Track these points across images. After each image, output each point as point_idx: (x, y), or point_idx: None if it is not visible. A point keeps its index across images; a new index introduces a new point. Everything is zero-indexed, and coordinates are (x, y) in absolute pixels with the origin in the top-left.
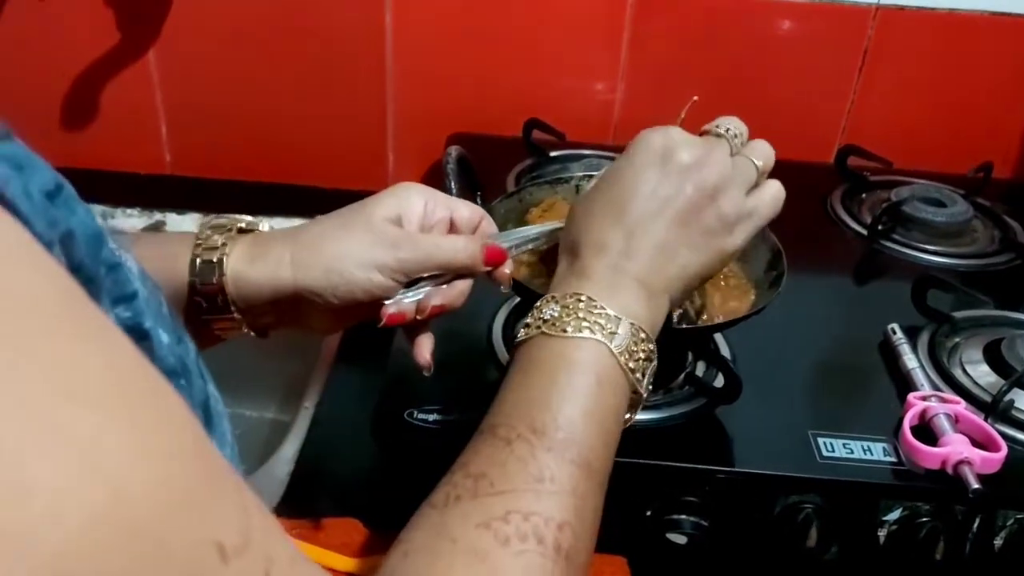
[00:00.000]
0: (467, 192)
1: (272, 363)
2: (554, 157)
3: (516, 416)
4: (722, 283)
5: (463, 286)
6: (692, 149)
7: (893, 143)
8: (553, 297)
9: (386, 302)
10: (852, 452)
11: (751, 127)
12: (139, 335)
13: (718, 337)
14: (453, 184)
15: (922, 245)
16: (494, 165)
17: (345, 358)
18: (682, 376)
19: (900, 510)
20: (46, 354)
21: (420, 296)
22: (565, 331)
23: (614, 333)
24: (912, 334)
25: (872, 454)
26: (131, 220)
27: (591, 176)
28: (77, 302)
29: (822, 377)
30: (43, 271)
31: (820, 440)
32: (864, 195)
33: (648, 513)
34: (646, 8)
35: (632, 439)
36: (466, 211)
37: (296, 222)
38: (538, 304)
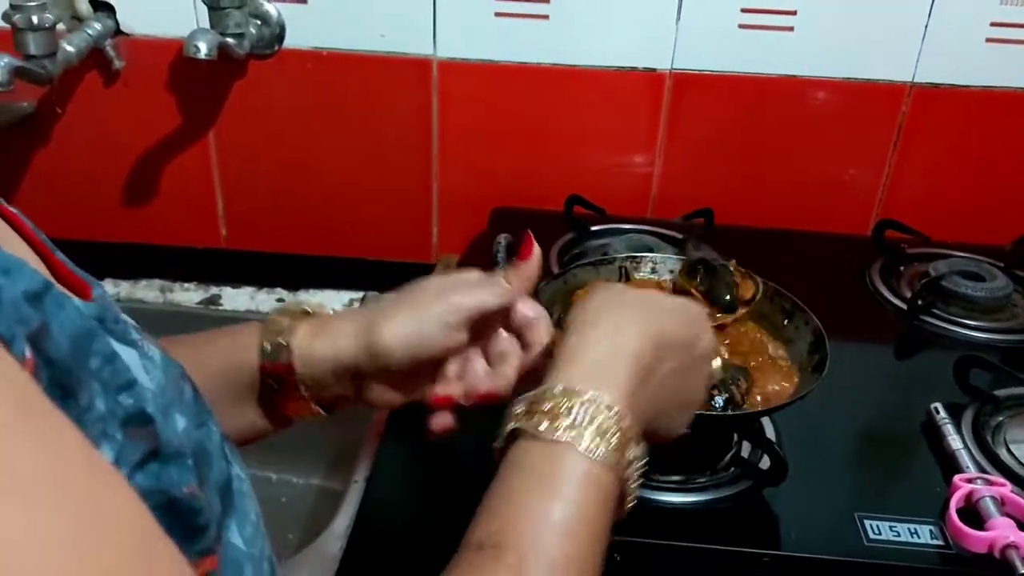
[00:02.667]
0: None
1: (318, 430)
2: (595, 232)
3: (489, 519)
4: (768, 364)
5: (510, 372)
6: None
7: (929, 216)
8: (524, 397)
9: (435, 387)
10: (899, 535)
11: (787, 201)
12: (142, 420)
13: (763, 418)
14: (503, 271)
15: (962, 320)
16: (537, 240)
17: (395, 430)
18: (728, 458)
19: None
20: None
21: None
22: (539, 430)
23: (580, 424)
24: (955, 413)
25: (919, 537)
26: (188, 294)
27: (634, 257)
28: (17, 394)
29: (866, 457)
30: None
31: (867, 522)
32: (902, 268)
33: None
34: (683, 85)
35: (678, 522)
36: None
37: (346, 295)
38: (511, 404)
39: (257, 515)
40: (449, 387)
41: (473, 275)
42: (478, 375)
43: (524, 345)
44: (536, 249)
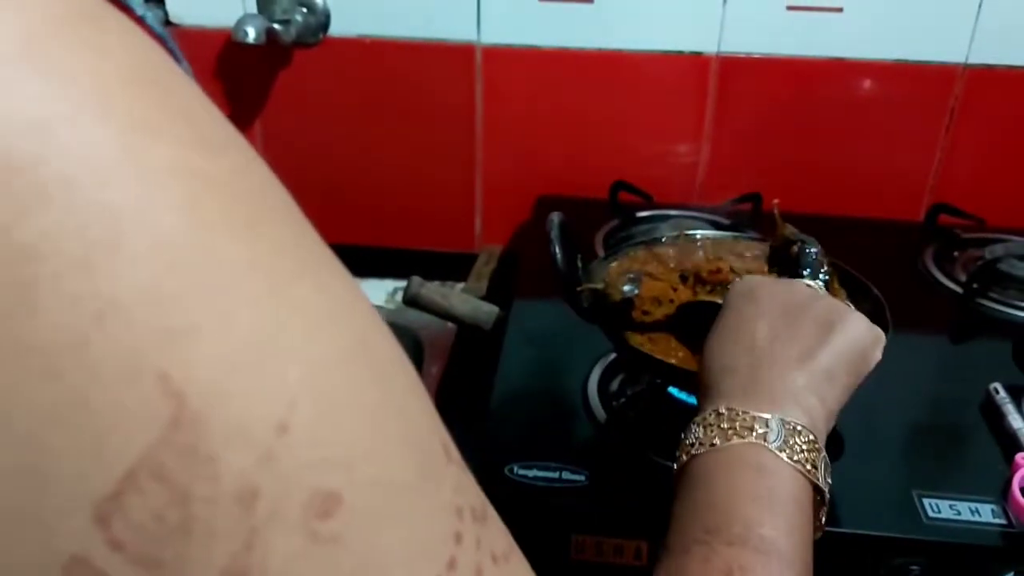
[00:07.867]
0: (568, 254)
1: None
2: (641, 218)
3: (686, 527)
4: None
5: None
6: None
7: (983, 200)
8: (694, 421)
9: None
10: (959, 514)
11: (837, 186)
12: None
13: None
14: (557, 248)
15: (1019, 303)
16: (582, 226)
17: (441, 408)
18: None
19: (1012, 574)
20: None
21: None
22: (714, 444)
23: (766, 431)
24: (1016, 393)
25: (980, 516)
26: None
27: (684, 235)
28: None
29: (924, 436)
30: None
31: (925, 501)
32: (956, 253)
33: None
34: (730, 68)
35: None
36: None
37: (390, 283)
38: (683, 435)
39: None
40: None
41: None
42: None
43: None
44: None
